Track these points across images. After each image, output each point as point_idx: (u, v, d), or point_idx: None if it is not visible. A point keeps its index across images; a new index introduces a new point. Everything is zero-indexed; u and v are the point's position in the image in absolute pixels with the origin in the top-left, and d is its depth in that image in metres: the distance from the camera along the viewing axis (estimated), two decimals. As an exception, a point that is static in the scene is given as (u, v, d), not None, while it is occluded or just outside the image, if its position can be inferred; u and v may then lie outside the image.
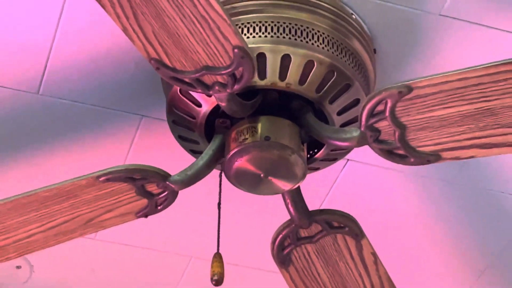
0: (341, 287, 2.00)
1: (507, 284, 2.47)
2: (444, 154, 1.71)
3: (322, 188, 2.24)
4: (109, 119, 2.14)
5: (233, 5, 1.85)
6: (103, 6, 1.54)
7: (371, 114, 1.65)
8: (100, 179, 1.77)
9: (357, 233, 1.90)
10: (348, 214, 1.90)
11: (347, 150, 1.91)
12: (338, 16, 1.87)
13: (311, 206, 1.91)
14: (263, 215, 2.16)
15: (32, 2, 1.93)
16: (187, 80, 1.67)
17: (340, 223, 1.89)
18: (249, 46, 1.67)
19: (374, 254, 1.93)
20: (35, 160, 2.25)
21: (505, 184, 2.21)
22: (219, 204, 1.91)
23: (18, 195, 1.80)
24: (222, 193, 1.92)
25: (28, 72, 2.05)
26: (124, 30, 1.58)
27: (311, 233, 1.90)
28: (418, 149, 1.71)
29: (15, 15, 1.96)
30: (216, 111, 1.84)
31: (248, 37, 1.80)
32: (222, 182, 1.91)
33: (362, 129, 1.68)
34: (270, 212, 2.04)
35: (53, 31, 1.97)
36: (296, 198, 1.88)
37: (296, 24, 1.82)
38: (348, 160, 2.17)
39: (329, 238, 1.91)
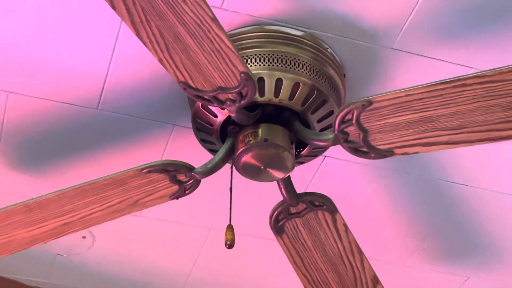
0: (321, 250, 1.98)
1: (443, 246, 2.45)
2: (396, 151, 1.72)
3: (306, 177, 2.23)
4: (150, 127, 2.14)
5: (240, 42, 1.85)
6: (144, 43, 1.56)
7: (342, 121, 1.67)
8: (143, 171, 1.78)
9: (333, 210, 1.90)
10: (326, 196, 1.90)
11: (325, 148, 1.91)
12: (317, 50, 1.87)
13: (299, 190, 1.91)
14: (263, 197, 2.14)
15: (92, 38, 1.93)
16: (206, 97, 1.68)
17: (320, 202, 1.90)
18: (252, 72, 1.68)
19: (345, 225, 1.94)
20: (95, 159, 2.25)
21: (441, 172, 2.21)
22: (230, 189, 1.91)
23: (83, 183, 1.81)
24: (233, 181, 1.93)
25: (90, 92, 2.05)
26: (160, 60, 1.59)
27: (299, 210, 1.90)
28: (377, 147, 1.71)
29: (80, 47, 1.95)
30: (228, 120, 1.84)
31: (251, 65, 1.81)
32: (233, 173, 1.91)
33: (335, 132, 1.69)
34: (268, 194, 2.03)
35: (108, 60, 1.96)
36: (287, 184, 1.88)
37: (286, 56, 1.83)
38: (325, 156, 2.17)
39: (312, 213, 1.91)
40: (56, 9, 1.85)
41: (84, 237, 2.49)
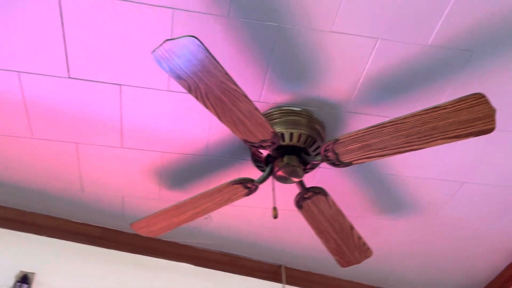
0: (322, 214, 1.94)
1: (382, 205, 2.31)
2: (353, 162, 1.70)
3: (310, 179, 2.18)
4: (232, 161, 2.10)
5: (270, 117, 1.85)
6: (223, 123, 1.59)
7: (325, 150, 1.67)
8: (230, 184, 1.80)
9: (326, 194, 1.88)
10: (321, 187, 1.88)
11: (318, 164, 1.89)
12: (309, 116, 1.86)
13: (307, 185, 1.90)
14: (289, 191, 2.11)
15: (199, 119, 1.92)
16: (256, 145, 1.70)
17: (319, 191, 1.87)
18: (277, 130, 1.71)
19: (333, 201, 1.91)
20: (208, 181, 2.20)
21: (378, 169, 2.14)
22: (273, 189, 1.91)
23: (202, 192, 1.84)
24: (272, 184, 1.93)
25: (200, 146, 2.03)
26: (232, 130, 1.63)
27: (308, 196, 1.88)
28: (343, 161, 1.70)
29: (196, 126, 1.95)
30: (268, 155, 1.84)
31: (276, 128, 1.81)
32: (273, 181, 1.92)
33: (322, 156, 1.70)
34: (292, 190, 2.01)
35: (208, 129, 1.96)
36: (301, 183, 1.87)
37: (293, 121, 1.82)
38: (320, 167, 2.13)
39: (315, 197, 1.88)
40: (181, 104, 1.88)
41: (206, 218, 2.47)
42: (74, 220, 2.50)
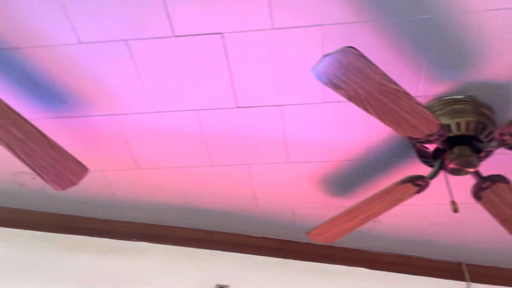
0: (505, 203, 1.79)
1: None
2: None
3: (486, 168, 1.99)
4: (399, 161, 2.05)
5: (433, 109, 1.78)
6: (386, 124, 1.58)
7: (500, 134, 1.57)
8: (399, 183, 1.78)
9: (507, 181, 1.75)
10: (501, 175, 1.75)
11: (493, 151, 1.77)
12: (473, 102, 1.76)
13: (485, 174, 1.78)
14: (460, 183, 1.97)
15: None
16: (422, 140, 1.67)
17: (498, 179, 1.75)
18: (442, 122, 1.65)
19: None
20: (373, 184, 2.17)
21: None
22: (447, 182, 1.84)
23: (371, 195, 1.83)
24: (445, 178, 1.84)
25: (358, 151, 2.01)
26: (394, 130, 1.60)
27: (486, 185, 1.77)
28: None
29: (346, 124, 1.97)
30: (437, 148, 1.77)
31: (441, 119, 1.74)
32: (445, 175, 1.83)
33: (497, 141, 1.60)
34: (464, 182, 1.89)
35: (366, 131, 1.93)
36: (477, 173, 1.77)
37: (458, 110, 1.74)
38: (494, 153, 1.93)
39: (495, 185, 1.76)
40: (337, 113, 1.91)
41: (374, 221, 2.44)
42: (253, 235, 2.68)
